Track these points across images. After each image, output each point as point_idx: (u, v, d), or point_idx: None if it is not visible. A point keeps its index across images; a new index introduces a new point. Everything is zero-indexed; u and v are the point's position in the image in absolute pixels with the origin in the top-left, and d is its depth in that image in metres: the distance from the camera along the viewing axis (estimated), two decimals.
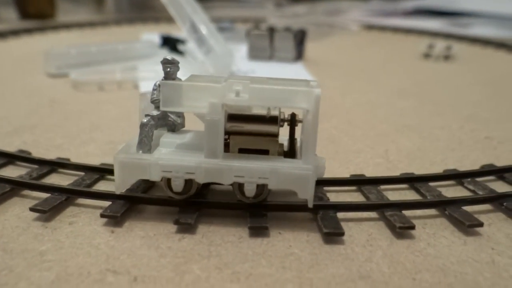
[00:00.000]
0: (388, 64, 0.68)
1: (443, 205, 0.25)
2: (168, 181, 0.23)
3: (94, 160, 0.30)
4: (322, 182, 0.27)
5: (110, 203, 0.24)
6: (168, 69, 0.24)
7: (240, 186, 0.23)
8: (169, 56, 0.24)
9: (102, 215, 0.23)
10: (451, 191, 0.28)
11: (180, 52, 0.65)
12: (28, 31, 0.85)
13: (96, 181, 0.27)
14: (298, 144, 0.25)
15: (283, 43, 0.63)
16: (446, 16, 1.16)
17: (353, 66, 0.65)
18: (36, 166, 0.29)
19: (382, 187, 0.28)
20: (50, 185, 0.25)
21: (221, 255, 0.21)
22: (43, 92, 0.47)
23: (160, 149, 0.24)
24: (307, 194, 0.22)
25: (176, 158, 0.23)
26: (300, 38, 0.65)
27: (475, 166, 0.31)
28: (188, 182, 0.23)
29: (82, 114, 0.40)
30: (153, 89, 0.25)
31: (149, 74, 0.52)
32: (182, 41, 0.67)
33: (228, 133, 0.23)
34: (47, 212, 0.23)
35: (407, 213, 0.25)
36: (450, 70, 0.64)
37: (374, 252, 0.22)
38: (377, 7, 1.36)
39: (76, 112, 0.41)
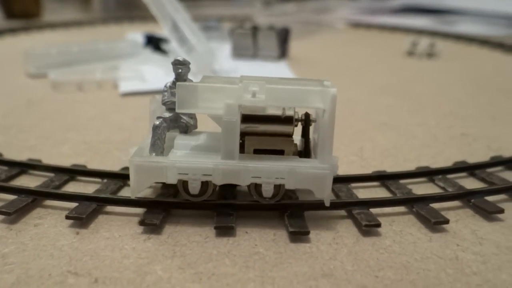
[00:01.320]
0: (372, 61, 0.68)
1: (411, 203, 0.25)
2: (184, 183, 0.23)
3: (66, 161, 0.30)
4: None
5: (77, 204, 0.24)
6: (180, 70, 0.24)
7: (257, 186, 0.23)
8: (180, 57, 0.24)
9: (67, 217, 0.23)
10: (422, 188, 0.28)
11: (163, 51, 0.65)
12: (12, 31, 0.84)
13: (65, 183, 0.27)
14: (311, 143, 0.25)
15: (266, 41, 0.63)
16: (433, 14, 1.16)
17: (336, 64, 0.66)
18: (5, 168, 0.28)
19: (353, 185, 0.28)
20: (16, 187, 0.25)
21: (185, 255, 0.21)
22: (21, 93, 0.46)
23: (175, 151, 0.23)
24: (324, 193, 0.23)
25: (192, 160, 0.23)
26: (283, 36, 0.65)
27: (448, 163, 0.31)
28: (204, 184, 0.23)
29: (58, 115, 0.40)
30: (164, 91, 0.24)
31: (130, 74, 0.52)
32: (165, 40, 0.66)
33: (242, 134, 0.23)
34: (12, 214, 0.23)
35: (376, 210, 0.25)
36: (433, 67, 0.64)
37: (339, 250, 0.22)
38: (365, 5, 1.36)
39: (53, 112, 0.41)
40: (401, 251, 0.22)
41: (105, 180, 0.27)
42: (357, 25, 1.07)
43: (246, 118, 0.23)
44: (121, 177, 0.27)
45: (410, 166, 0.31)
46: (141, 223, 0.22)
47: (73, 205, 0.24)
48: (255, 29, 0.64)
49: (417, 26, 0.99)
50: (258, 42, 0.64)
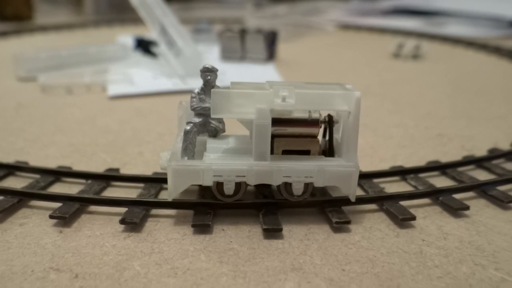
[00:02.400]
0: (358, 63, 0.69)
1: (382, 200, 0.26)
2: (218, 184, 0.24)
3: (53, 163, 0.31)
4: None
5: (61, 204, 0.25)
6: (208, 77, 0.25)
7: (287, 185, 0.24)
8: (208, 64, 0.25)
9: (51, 216, 0.24)
10: (394, 186, 0.29)
11: (153, 54, 0.66)
12: (3, 34, 0.85)
13: (50, 184, 0.28)
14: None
15: (254, 44, 0.64)
16: (422, 15, 1.18)
17: (323, 66, 0.67)
18: None
19: None
20: (3, 188, 0.26)
21: (162, 251, 0.22)
22: (11, 96, 0.47)
23: (208, 154, 0.25)
24: (350, 189, 0.24)
25: (227, 163, 0.24)
26: (271, 39, 0.66)
27: (422, 162, 0.33)
28: (237, 185, 0.24)
29: (47, 118, 0.41)
30: (192, 97, 0.25)
31: (118, 77, 0.53)
32: (155, 43, 0.67)
33: (271, 136, 0.24)
34: None
35: (348, 208, 0.26)
36: (417, 69, 0.65)
37: (310, 245, 0.23)
38: (355, 6, 1.38)
39: (41, 115, 0.41)
40: (368, 246, 0.23)
41: (89, 181, 0.28)
42: (346, 27, 1.08)
43: (275, 121, 0.24)
44: (105, 178, 0.28)
45: (385, 166, 0.32)
46: (122, 221, 0.23)
47: (57, 205, 0.25)
48: (243, 32, 0.65)
49: (406, 28, 1.01)
50: (246, 45, 0.65)
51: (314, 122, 0.25)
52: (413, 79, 0.59)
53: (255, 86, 0.24)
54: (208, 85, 0.25)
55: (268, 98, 0.23)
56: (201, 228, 0.23)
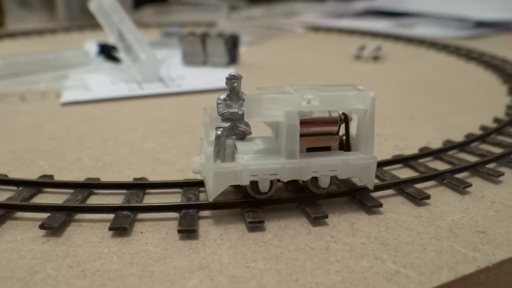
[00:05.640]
0: (319, 65, 0.71)
1: (299, 200, 0.27)
2: (253, 183, 0.26)
3: None
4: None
5: None
6: (235, 84, 0.27)
7: (313, 179, 0.27)
8: (234, 72, 0.27)
9: None
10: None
11: (116, 59, 0.66)
12: None
13: None
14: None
15: (215, 48, 0.66)
16: (394, 17, 1.20)
17: (284, 69, 0.68)
18: None
19: None
20: None
21: (77, 254, 0.23)
22: None
23: (241, 156, 0.26)
24: (369, 179, 0.27)
25: (261, 163, 0.26)
26: (232, 43, 0.67)
27: None
28: (270, 183, 0.26)
29: None
30: (218, 104, 0.27)
31: (74, 83, 0.53)
32: (117, 49, 0.68)
33: None
34: None
35: (268, 208, 0.27)
36: (375, 70, 0.67)
37: (223, 245, 0.24)
38: (330, 8, 1.40)
39: None
40: (278, 243, 0.24)
41: (20, 188, 0.29)
42: (317, 28, 1.10)
43: (299, 122, 0.26)
44: (36, 184, 0.29)
45: None
46: (41, 226, 0.24)
47: None
48: (204, 36, 0.66)
49: (374, 29, 1.03)
50: (207, 49, 0.66)
51: (334, 121, 0.27)
52: (369, 81, 0.61)
53: (279, 90, 0.27)
54: (234, 91, 0.27)
55: (296, 101, 0.25)
56: (119, 231, 0.24)
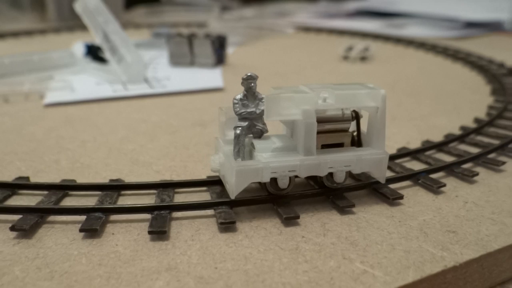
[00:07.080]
0: (306, 66, 0.71)
1: (274, 201, 0.27)
2: (273, 180, 0.27)
3: None
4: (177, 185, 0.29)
5: None
6: (252, 84, 0.27)
7: (328, 175, 0.28)
8: (251, 73, 0.27)
9: None
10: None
11: (102, 60, 0.66)
12: None
13: None
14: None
15: (201, 49, 0.66)
16: (385, 17, 1.21)
17: (272, 69, 0.68)
18: None
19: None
20: None
21: (46, 256, 0.23)
22: None
23: (260, 154, 0.27)
24: (381, 173, 0.28)
25: (281, 160, 0.26)
26: (219, 43, 0.67)
27: None
28: (289, 179, 0.27)
29: None
30: (235, 103, 0.27)
31: (59, 84, 0.53)
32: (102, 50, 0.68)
33: None
34: None
35: (241, 209, 0.27)
36: (362, 71, 0.67)
37: (193, 246, 0.24)
38: (322, 9, 1.40)
39: None
40: (249, 244, 0.24)
41: None
42: (308, 29, 1.10)
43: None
44: (11, 186, 0.29)
45: None
46: (12, 228, 0.24)
47: None
48: (191, 37, 0.66)
49: (365, 30, 1.03)
50: (194, 50, 0.66)
51: (347, 118, 0.28)
52: (354, 81, 0.61)
53: (294, 90, 0.27)
54: (251, 91, 0.27)
55: (312, 100, 0.26)
56: (90, 232, 0.25)
